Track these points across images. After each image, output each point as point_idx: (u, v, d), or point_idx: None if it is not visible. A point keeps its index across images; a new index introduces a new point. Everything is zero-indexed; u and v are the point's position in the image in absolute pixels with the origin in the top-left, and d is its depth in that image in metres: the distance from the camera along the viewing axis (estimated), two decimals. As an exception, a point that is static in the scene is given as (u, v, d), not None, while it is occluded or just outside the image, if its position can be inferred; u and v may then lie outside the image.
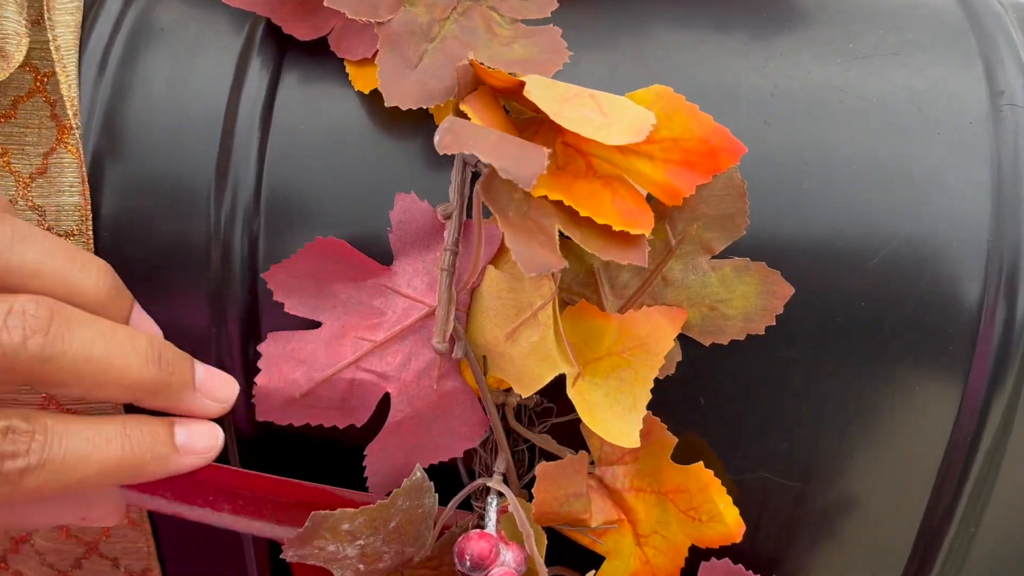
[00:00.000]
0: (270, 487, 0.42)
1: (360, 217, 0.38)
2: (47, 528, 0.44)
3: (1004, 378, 0.37)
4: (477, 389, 0.38)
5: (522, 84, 0.33)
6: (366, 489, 0.41)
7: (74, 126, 0.39)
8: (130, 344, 0.34)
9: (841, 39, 0.39)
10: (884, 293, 0.36)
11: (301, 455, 0.42)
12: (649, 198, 0.36)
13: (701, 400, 0.39)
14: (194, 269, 0.39)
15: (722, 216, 0.36)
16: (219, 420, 0.42)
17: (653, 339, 0.36)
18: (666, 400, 0.39)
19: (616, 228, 0.33)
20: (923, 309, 0.36)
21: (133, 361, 0.34)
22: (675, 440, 0.38)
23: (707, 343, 0.37)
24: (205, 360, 0.40)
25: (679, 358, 0.38)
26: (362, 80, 0.38)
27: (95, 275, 0.35)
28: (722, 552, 0.39)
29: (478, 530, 0.37)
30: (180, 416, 0.37)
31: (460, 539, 0.37)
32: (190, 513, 0.42)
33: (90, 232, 0.39)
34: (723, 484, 0.38)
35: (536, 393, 0.38)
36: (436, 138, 0.32)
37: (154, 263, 0.39)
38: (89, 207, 0.39)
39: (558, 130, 0.33)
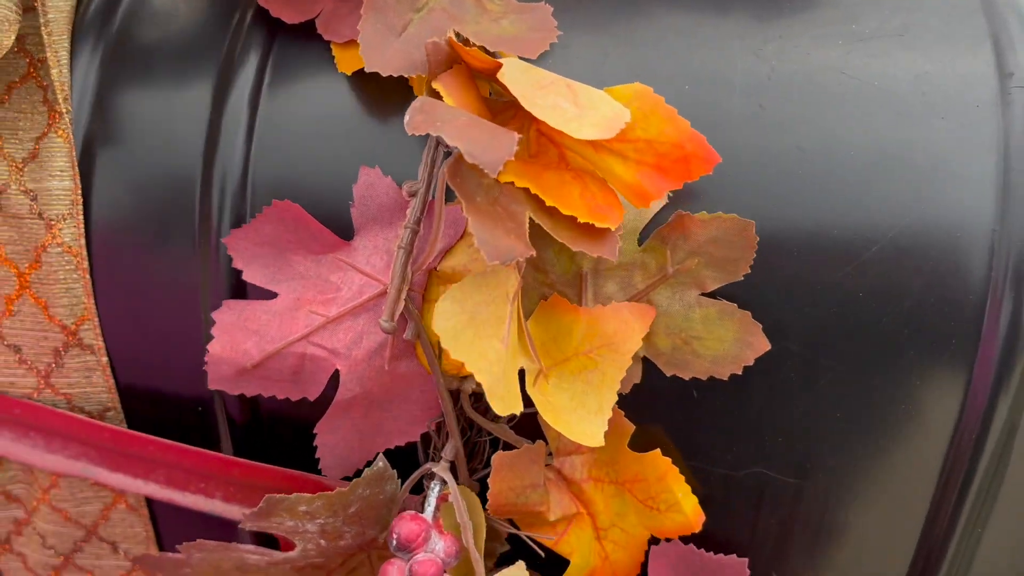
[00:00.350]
0: (261, 474, 0.42)
1: (346, 201, 0.38)
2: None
3: (1009, 376, 0.35)
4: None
5: (499, 65, 0.32)
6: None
7: (64, 111, 0.39)
8: None
9: (843, 20, 0.38)
10: (882, 286, 0.35)
11: (293, 442, 0.42)
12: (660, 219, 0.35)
13: (694, 392, 0.38)
14: (182, 253, 0.39)
15: (726, 259, 0.35)
16: (212, 407, 0.42)
17: (621, 337, 0.35)
18: (658, 392, 0.38)
19: (582, 220, 0.32)
20: (924, 303, 0.35)
21: None
22: (632, 427, 0.37)
23: (668, 374, 0.37)
24: (194, 340, 0.40)
25: (637, 380, 0.37)
26: (347, 62, 0.38)
27: None
28: (716, 551, 0.38)
29: (412, 512, 0.37)
30: None
31: (395, 518, 0.37)
32: (183, 500, 0.43)
33: (81, 216, 0.39)
34: (712, 478, 0.37)
35: None
36: (406, 118, 0.31)
37: (144, 247, 0.39)
38: (79, 191, 0.39)
39: (534, 117, 0.32)
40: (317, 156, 0.38)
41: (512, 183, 0.32)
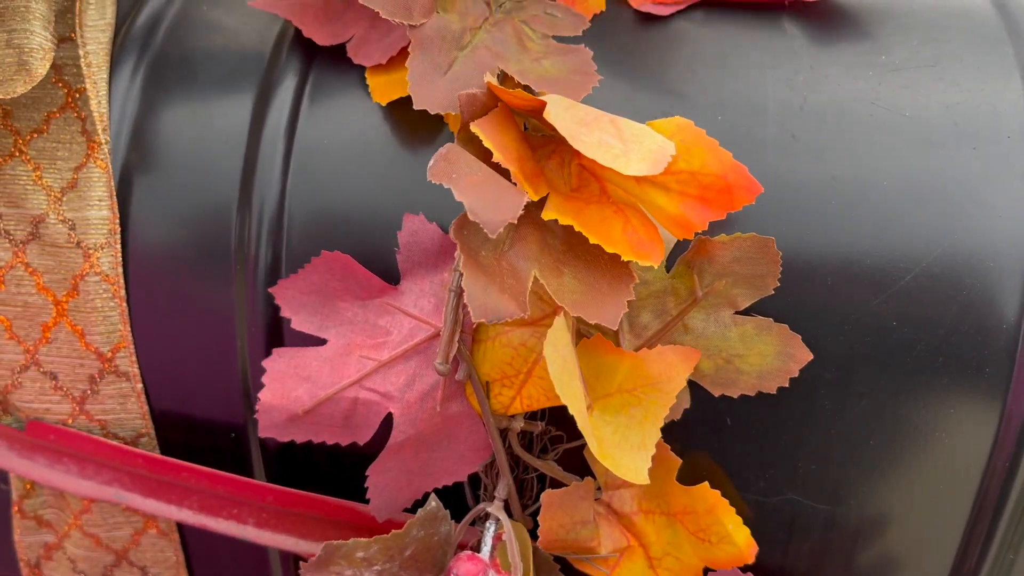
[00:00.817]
0: (294, 501, 0.42)
1: (384, 232, 0.38)
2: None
3: (1044, 402, 0.35)
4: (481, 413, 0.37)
5: (542, 104, 0.33)
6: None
7: (103, 141, 0.39)
8: None
9: (874, 51, 0.38)
10: (916, 313, 0.35)
11: (327, 468, 0.42)
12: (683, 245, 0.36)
13: (728, 420, 0.38)
14: (220, 282, 0.39)
15: (752, 276, 0.36)
16: (246, 433, 0.42)
17: (665, 378, 0.35)
18: (693, 420, 0.38)
19: (625, 258, 0.32)
20: (958, 330, 0.35)
21: None
22: (679, 461, 0.37)
23: (717, 394, 0.37)
24: (230, 367, 0.40)
25: (687, 405, 0.37)
26: (381, 92, 0.38)
27: None
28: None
29: (470, 552, 0.37)
30: None
31: (453, 558, 0.37)
32: (215, 525, 0.43)
33: (118, 244, 0.40)
34: (745, 504, 0.37)
35: (540, 420, 0.38)
36: (430, 163, 0.32)
37: (181, 275, 0.40)
38: (117, 220, 0.39)
39: (575, 151, 0.32)
40: (353, 183, 0.38)
41: (523, 240, 0.33)
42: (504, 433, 0.38)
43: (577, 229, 0.32)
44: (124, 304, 0.40)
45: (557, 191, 0.34)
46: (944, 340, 0.35)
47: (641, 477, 0.33)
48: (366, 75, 0.39)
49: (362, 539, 0.36)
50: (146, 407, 0.42)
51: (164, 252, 0.40)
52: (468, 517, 0.38)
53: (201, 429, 0.42)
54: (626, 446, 0.34)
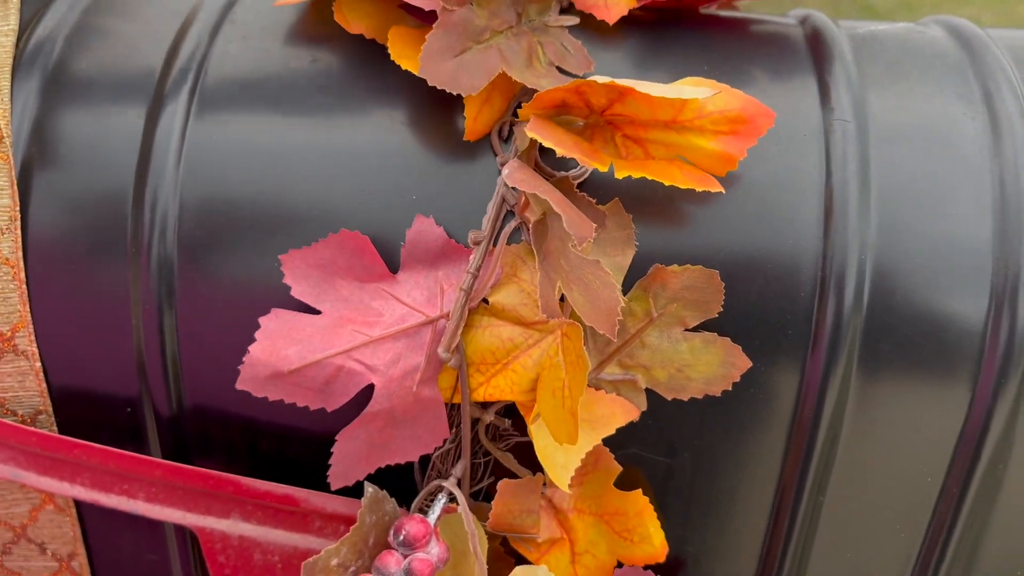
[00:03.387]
0: (182, 475, 0.44)
1: (267, 214, 0.42)
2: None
3: (837, 359, 0.41)
4: (450, 400, 0.41)
5: (580, 85, 0.38)
6: (282, 479, 0.44)
7: (5, 135, 0.43)
8: None
9: (701, 63, 0.44)
10: (731, 285, 0.41)
11: (216, 437, 0.45)
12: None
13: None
14: (114, 265, 0.43)
15: (699, 301, 0.41)
16: (139, 403, 0.45)
17: (604, 422, 0.40)
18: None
19: (699, 188, 0.39)
20: (764, 299, 0.41)
21: None
22: (619, 468, 0.42)
23: (669, 398, 0.42)
24: (125, 346, 0.43)
25: (644, 407, 0.42)
26: (402, 57, 0.42)
27: None
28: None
29: (420, 515, 0.41)
30: None
31: (401, 518, 0.40)
32: (107, 501, 0.45)
33: (19, 231, 0.43)
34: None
35: (505, 416, 0.43)
36: (506, 171, 0.37)
37: (78, 259, 0.43)
38: (18, 208, 0.42)
39: (614, 127, 0.38)
40: (240, 175, 0.42)
41: (551, 256, 0.38)
42: (474, 422, 0.42)
43: (650, 178, 0.38)
44: (24, 286, 0.43)
45: (611, 158, 0.39)
46: (754, 306, 0.41)
47: (563, 486, 0.39)
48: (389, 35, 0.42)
49: (331, 546, 0.39)
50: (44, 385, 0.44)
51: (63, 237, 0.43)
52: (423, 493, 0.42)
53: (98, 405, 0.45)
54: (553, 461, 0.39)
